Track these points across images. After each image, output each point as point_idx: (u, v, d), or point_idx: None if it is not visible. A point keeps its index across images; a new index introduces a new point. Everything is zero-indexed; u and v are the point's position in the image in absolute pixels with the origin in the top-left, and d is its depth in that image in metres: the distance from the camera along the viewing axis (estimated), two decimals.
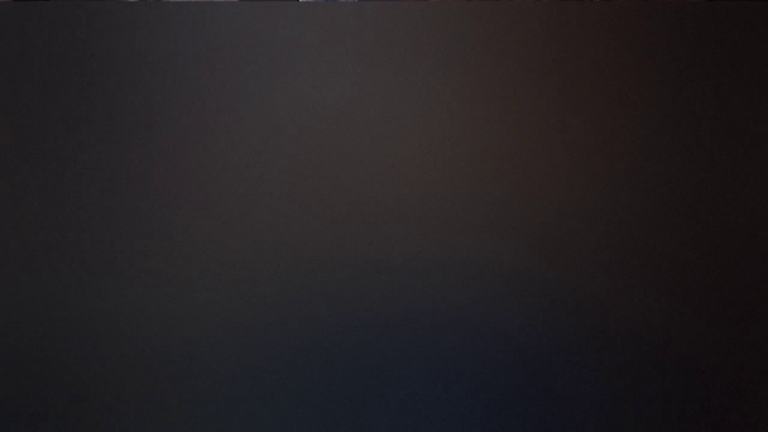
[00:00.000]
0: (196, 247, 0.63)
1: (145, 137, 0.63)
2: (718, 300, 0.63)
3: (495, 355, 0.63)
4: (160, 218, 0.63)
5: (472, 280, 0.63)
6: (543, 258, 0.63)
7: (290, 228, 0.63)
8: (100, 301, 0.63)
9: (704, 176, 0.63)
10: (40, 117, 0.63)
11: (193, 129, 0.63)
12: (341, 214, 0.63)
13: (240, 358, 0.63)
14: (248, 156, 0.63)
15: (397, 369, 0.63)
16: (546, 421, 0.63)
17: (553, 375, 0.63)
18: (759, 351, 0.63)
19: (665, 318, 0.63)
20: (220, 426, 0.63)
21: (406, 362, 0.63)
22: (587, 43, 0.63)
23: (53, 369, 0.63)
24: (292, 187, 0.63)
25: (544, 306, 0.63)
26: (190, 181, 0.63)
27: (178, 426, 0.63)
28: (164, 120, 0.63)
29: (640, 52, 0.63)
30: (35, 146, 0.63)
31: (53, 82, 0.63)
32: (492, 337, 0.63)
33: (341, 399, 0.63)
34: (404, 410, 0.63)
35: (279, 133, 0.63)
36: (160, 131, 0.63)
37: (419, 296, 0.63)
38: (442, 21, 0.63)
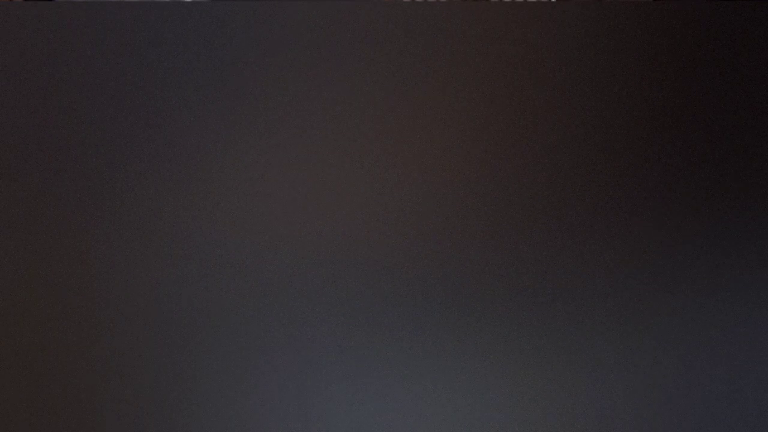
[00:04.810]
0: (198, 245, 0.63)
1: (146, 136, 0.63)
2: (718, 299, 0.63)
3: (494, 354, 0.63)
4: (160, 217, 0.63)
5: (470, 280, 0.63)
6: (541, 256, 0.63)
7: (291, 226, 0.63)
8: (100, 300, 0.63)
9: (704, 176, 0.63)
10: (41, 116, 0.63)
11: (194, 128, 0.63)
12: (342, 213, 0.63)
13: (239, 357, 0.63)
14: (249, 155, 0.63)
15: (396, 369, 0.63)
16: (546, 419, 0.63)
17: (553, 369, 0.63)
18: (759, 351, 0.63)
19: (664, 317, 0.63)
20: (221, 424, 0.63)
21: (405, 363, 0.63)
22: (586, 43, 0.63)
23: (52, 369, 0.63)
24: (292, 186, 0.63)
25: (543, 304, 0.63)
26: (192, 179, 0.63)
27: (178, 425, 0.63)
28: (165, 119, 0.63)
29: (639, 52, 0.63)
30: (35, 145, 0.63)
31: (53, 81, 0.63)
32: (490, 337, 0.63)
33: (342, 398, 0.63)
34: (404, 410, 0.63)
35: (280, 132, 0.63)
36: (160, 130, 0.63)
37: (418, 296, 0.63)
38: (442, 21, 0.63)
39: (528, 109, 0.63)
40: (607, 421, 0.63)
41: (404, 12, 0.63)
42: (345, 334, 0.63)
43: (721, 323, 0.63)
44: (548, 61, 0.63)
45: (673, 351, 0.63)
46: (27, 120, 0.63)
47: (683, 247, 0.63)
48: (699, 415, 0.63)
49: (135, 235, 0.63)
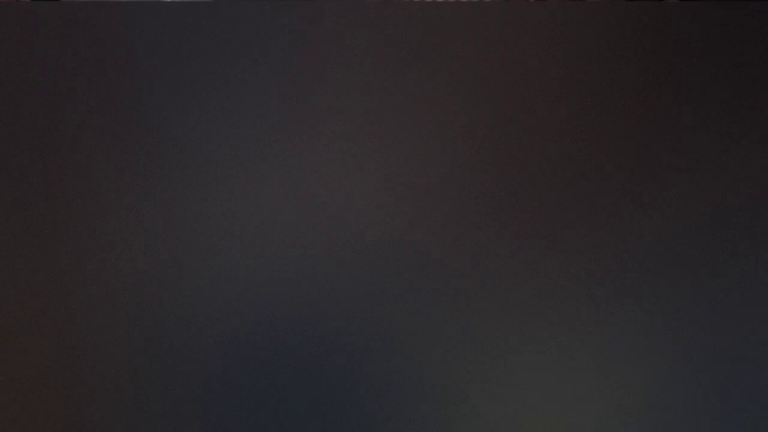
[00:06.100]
0: (198, 246, 0.63)
1: (148, 136, 0.63)
2: (721, 296, 0.63)
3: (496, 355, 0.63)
4: (161, 217, 0.63)
5: (471, 281, 0.63)
6: (542, 256, 0.63)
7: (291, 225, 0.63)
8: (100, 300, 0.63)
9: (704, 176, 0.63)
10: (44, 116, 0.63)
11: (195, 128, 0.63)
12: (342, 212, 0.63)
13: (239, 357, 0.63)
14: (249, 154, 0.63)
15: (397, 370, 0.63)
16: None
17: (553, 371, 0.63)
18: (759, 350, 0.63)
19: (663, 318, 0.63)
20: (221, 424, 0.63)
21: (404, 363, 0.63)
22: (586, 43, 0.63)
23: (50, 368, 0.63)
24: (292, 186, 0.63)
25: (544, 303, 0.63)
26: (191, 178, 0.63)
27: (176, 425, 0.63)
28: (167, 118, 0.63)
29: (638, 53, 0.63)
30: (40, 145, 0.63)
31: (57, 80, 0.63)
32: (492, 336, 0.63)
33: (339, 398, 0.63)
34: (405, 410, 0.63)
35: (279, 131, 0.63)
36: (162, 129, 0.63)
37: (419, 297, 0.63)
38: (444, 21, 0.63)
39: (526, 106, 0.63)
40: (607, 419, 0.63)
41: (404, 12, 0.63)
42: (344, 332, 0.63)
43: (724, 320, 0.63)
44: (547, 60, 0.63)
45: (679, 349, 0.63)
46: (29, 120, 0.63)
47: (683, 245, 0.63)
48: (706, 412, 0.63)
49: (135, 235, 0.63)
